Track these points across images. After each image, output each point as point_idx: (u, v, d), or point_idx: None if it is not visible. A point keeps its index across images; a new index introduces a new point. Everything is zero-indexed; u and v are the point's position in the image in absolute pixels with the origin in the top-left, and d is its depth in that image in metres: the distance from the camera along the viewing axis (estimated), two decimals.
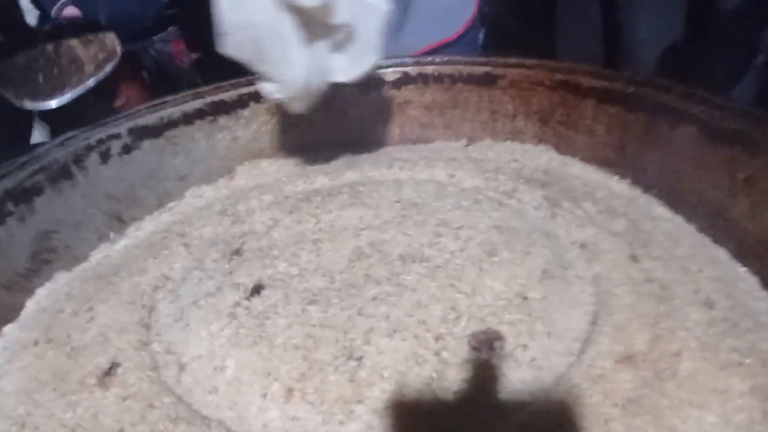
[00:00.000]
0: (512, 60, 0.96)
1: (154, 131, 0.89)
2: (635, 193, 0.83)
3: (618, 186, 0.85)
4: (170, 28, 1.77)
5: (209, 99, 0.92)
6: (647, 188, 0.84)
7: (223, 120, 0.94)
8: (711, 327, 0.60)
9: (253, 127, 0.96)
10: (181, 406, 0.53)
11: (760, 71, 1.66)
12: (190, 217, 0.79)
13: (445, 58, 0.99)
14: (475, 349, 0.55)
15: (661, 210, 0.81)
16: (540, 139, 0.95)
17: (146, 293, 0.67)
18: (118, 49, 0.89)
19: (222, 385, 0.54)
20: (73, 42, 0.89)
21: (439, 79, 0.98)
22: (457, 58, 0.99)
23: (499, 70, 0.96)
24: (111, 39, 0.88)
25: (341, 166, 0.87)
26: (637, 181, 0.85)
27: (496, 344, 0.55)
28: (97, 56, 0.88)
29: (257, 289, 0.62)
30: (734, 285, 0.68)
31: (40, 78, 0.81)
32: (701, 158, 0.79)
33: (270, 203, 0.78)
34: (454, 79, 0.98)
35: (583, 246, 0.68)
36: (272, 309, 0.59)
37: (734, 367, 0.56)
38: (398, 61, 1.00)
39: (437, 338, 0.55)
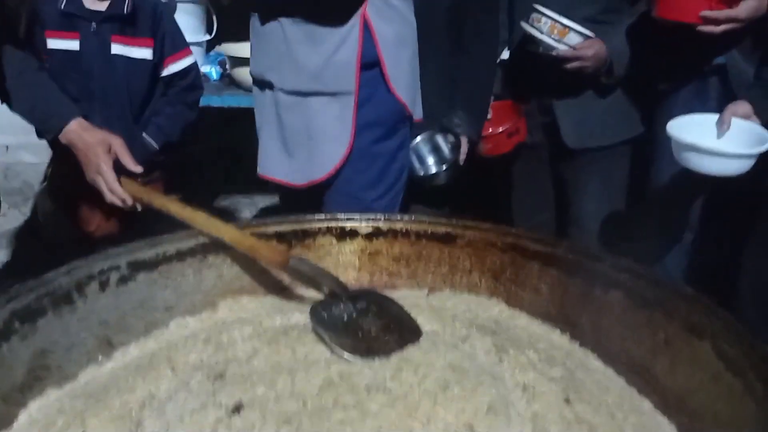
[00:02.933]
0: (470, 222, 1.11)
1: (150, 265, 0.99)
2: (573, 347, 0.95)
3: (558, 339, 0.96)
4: (155, 172, 1.93)
5: (201, 239, 1.03)
6: (583, 342, 0.96)
7: (211, 258, 1.04)
8: None
9: (237, 266, 1.07)
10: None
11: (688, 247, 1.86)
12: (176, 344, 0.88)
13: (413, 217, 1.13)
14: None
15: (595, 363, 0.92)
16: (492, 293, 1.07)
17: (134, 410, 0.74)
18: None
19: None
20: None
21: (406, 234, 1.12)
22: (423, 217, 1.13)
23: (458, 230, 1.10)
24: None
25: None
26: (575, 336, 0.97)
27: None
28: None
29: (237, 409, 0.70)
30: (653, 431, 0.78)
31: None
32: (627, 320, 0.92)
33: (250, 335, 0.87)
34: (419, 235, 1.11)
35: (524, 388, 0.78)
36: (250, 427, 0.67)
37: None
38: (371, 216, 1.13)
39: None
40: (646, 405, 0.84)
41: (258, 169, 1.68)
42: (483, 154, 1.94)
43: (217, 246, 1.04)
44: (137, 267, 0.97)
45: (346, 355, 0.79)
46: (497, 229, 1.08)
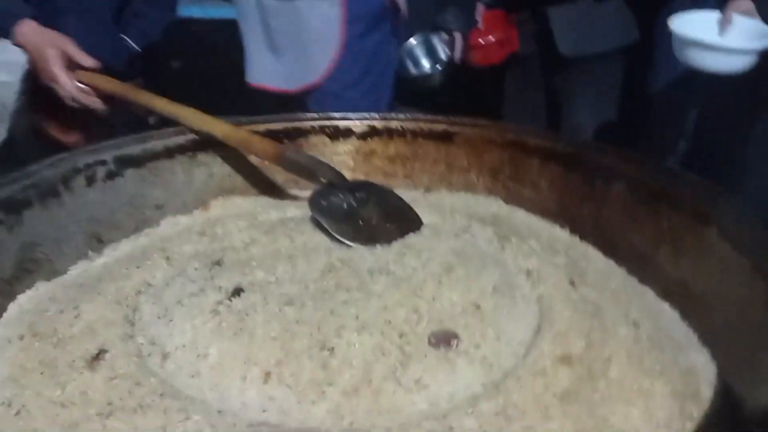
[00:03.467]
0: (467, 120, 1.07)
1: (138, 161, 0.95)
2: (574, 240, 0.94)
3: (559, 232, 0.95)
4: (137, 79, 1.86)
5: (191, 135, 0.99)
6: (584, 236, 0.95)
7: (201, 156, 1.01)
8: (637, 343, 0.68)
9: (228, 165, 1.04)
10: (166, 386, 0.58)
11: (682, 158, 1.85)
12: (170, 237, 0.85)
13: (408, 115, 1.10)
14: (433, 345, 0.62)
15: (595, 254, 0.91)
16: (490, 191, 1.05)
17: (130, 296, 0.72)
18: None
19: (204, 369, 0.60)
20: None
21: (402, 133, 1.08)
22: (419, 115, 1.10)
23: (455, 128, 1.07)
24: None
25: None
26: (575, 230, 0.96)
27: (453, 342, 0.62)
28: None
29: (237, 292, 0.68)
30: (658, 316, 0.77)
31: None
32: (630, 211, 0.90)
33: (247, 226, 0.85)
34: (415, 134, 1.08)
35: (528, 273, 0.77)
36: (252, 308, 0.65)
37: (657, 375, 0.64)
38: (366, 115, 1.10)
39: (401, 335, 0.62)
40: (648, 292, 0.83)
41: (247, 78, 1.63)
42: (474, 64, 1.90)
43: (207, 143, 1.00)
44: (124, 163, 0.93)
45: (347, 241, 0.77)
46: (496, 126, 1.05)
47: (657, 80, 1.77)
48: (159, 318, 0.67)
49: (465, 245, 0.79)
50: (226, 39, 1.94)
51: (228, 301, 0.67)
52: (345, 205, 0.82)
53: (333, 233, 0.79)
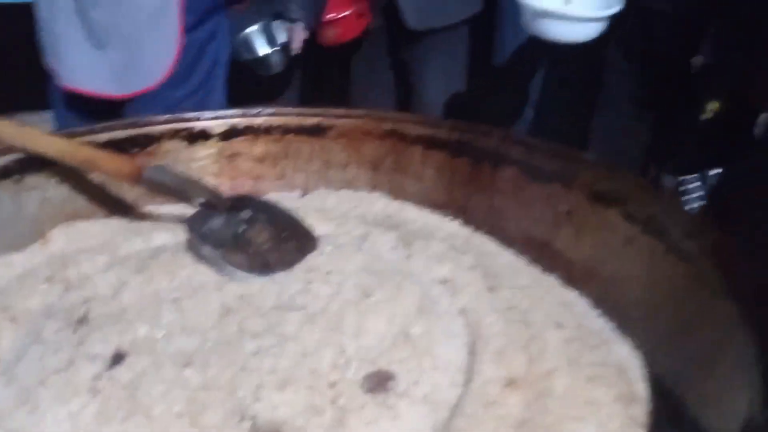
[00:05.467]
0: (341, 111, 0.98)
1: None
2: (468, 232, 0.89)
3: (452, 226, 0.90)
4: None
5: (15, 155, 0.81)
6: (477, 227, 0.90)
7: (31, 179, 0.83)
8: (568, 346, 0.65)
9: (66, 184, 0.87)
10: None
11: (530, 124, 1.90)
12: (7, 288, 0.68)
13: (274, 110, 0.98)
14: (369, 391, 0.54)
15: (493, 246, 0.86)
16: (374, 186, 0.97)
17: None
18: None
19: None
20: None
21: (269, 130, 0.97)
22: (286, 109, 0.99)
23: (329, 121, 0.97)
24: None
25: (177, 221, 0.81)
26: (467, 221, 0.91)
27: (390, 384, 0.54)
28: None
29: (118, 358, 0.55)
30: (572, 308, 0.75)
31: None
32: (524, 196, 0.87)
33: (108, 264, 0.70)
34: (284, 130, 0.97)
35: (443, 282, 0.71)
36: (142, 377, 0.53)
37: (597, 381, 0.61)
38: (224, 113, 0.97)
39: (331, 385, 0.53)
40: (553, 281, 0.80)
41: (60, 81, 1.40)
42: (330, 43, 1.80)
43: (36, 162, 0.83)
44: None
45: (240, 273, 0.66)
46: (373, 115, 0.97)
47: (502, 50, 1.78)
48: (18, 407, 0.52)
49: (372, 259, 0.71)
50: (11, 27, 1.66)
51: (108, 373, 0.53)
52: (231, 229, 0.70)
53: (222, 264, 0.67)
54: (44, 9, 1.39)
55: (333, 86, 2.07)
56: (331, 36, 1.80)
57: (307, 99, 1.94)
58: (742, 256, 0.62)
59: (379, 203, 0.94)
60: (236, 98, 1.88)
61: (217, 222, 0.71)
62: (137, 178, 0.75)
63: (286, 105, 1.87)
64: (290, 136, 0.98)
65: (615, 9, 1.35)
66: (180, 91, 1.45)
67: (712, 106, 1.27)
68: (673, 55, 1.36)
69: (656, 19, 1.39)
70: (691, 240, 0.67)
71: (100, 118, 1.44)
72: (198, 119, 0.96)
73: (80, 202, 0.88)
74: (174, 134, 0.94)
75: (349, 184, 0.98)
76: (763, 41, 1.19)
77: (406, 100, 1.97)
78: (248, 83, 1.76)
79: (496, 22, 1.77)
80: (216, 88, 1.55)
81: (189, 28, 1.41)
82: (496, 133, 0.91)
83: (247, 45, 1.70)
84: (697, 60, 1.28)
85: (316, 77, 1.97)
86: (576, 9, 1.42)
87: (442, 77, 1.87)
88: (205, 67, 1.49)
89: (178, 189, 0.74)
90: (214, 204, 0.73)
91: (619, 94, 1.52)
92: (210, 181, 0.97)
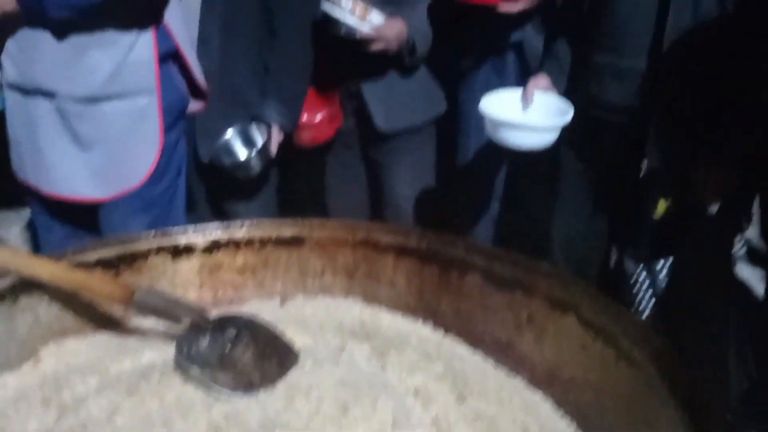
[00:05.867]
0: (316, 221, 1.05)
1: None
2: (439, 336, 0.95)
3: (424, 330, 0.96)
4: None
5: (9, 280, 0.86)
6: (448, 329, 0.96)
7: (24, 300, 0.88)
8: None
9: (57, 304, 0.91)
10: None
11: (495, 217, 1.99)
12: (4, 412, 0.72)
13: (255, 222, 1.05)
14: None
15: (462, 350, 0.92)
16: (348, 293, 1.03)
17: None
18: None
19: None
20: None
21: (249, 242, 1.03)
22: (266, 221, 1.05)
23: (305, 232, 1.04)
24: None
25: (164, 338, 0.86)
26: (438, 324, 0.97)
27: None
28: None
29: None
30: (536, 410, 0.80)
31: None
32: (488, 302, 0.94)
33: (100, 386, 0.74)
34: (264, 242, 1.03)
35: (416, 392, 0.76)
36: None
37: None
38: (207, 227, 1.03)
39: None
40: (518, 383, 0.86)
41: (50, 190, 1.46)
42: (305, 144, 1.89)
43: (30, 284, 0.87)
44: None
45: (226, 392, 0.71)
46: (346, 226, 1.04)
47: (467, 148, 1.89)
48: None
49: (349, 372, 0.76)
50: None
51: None
52: (216, 348, 0.75)
53: (209, 384, 0.72)
54: (21, 126, 1.46)
55: (307, 183, 2.16)
56: (305, 138, 1.89)
57: (283, 196, 2.02)
58: (685, 364, 0.69)
59: (355, 309, 1.00)
60: (216, 197, 1.96)
61: (203, 342, 0.76)
62: (128, 301, 0.80)
63: (262, 203, 1.96)
64: (269, 247, 1.04)
65: (567, 118, 1.47)
66: (158, 188, 1.52)
67: (662, 204, 1.37)
68: (622, 159, 1.47)
69: (605, 127, 1.51)
70: (639, 347, 0.74)
71: (79, 219, 1.51)
72: (183, 234, 1.02)
73: (69, 319, 0.92)
74: (159, 250, 1.00)
75: (326, 291, 1.04)
76: (698, 148, 1.31)
77: (378, 195, 2.06)
78: (226, 182, 1.84)
79: (461, 123, 1.88)
80: (182, 184, 1.62)
81: (166, 129, 1.49)
82: (461, 243, 0.98)
83: (228, 149, 1.79)
84: (644, 164, 1.39)
85: (291, 175, 2.05)
86: (531, 119, 1.54)
87: (412, 174, 1.97)
88: (176, 164, 1.57)
89: (166, 311, 0.79)
90: (200, 325, 0.78)
91: (576, 192, 1.63)
92: (193, 293, 1.02)
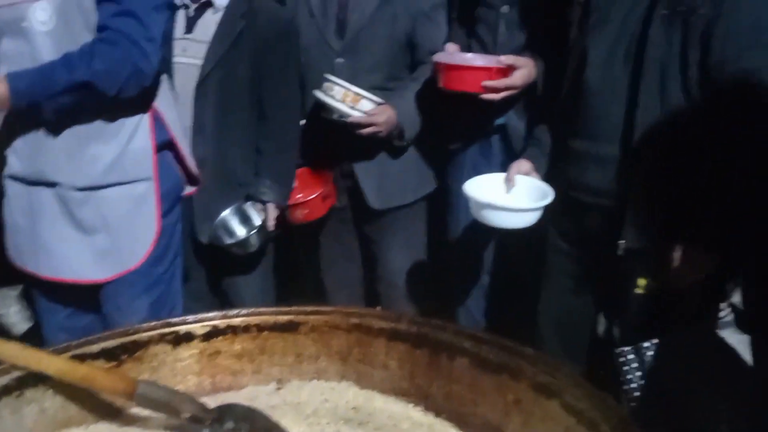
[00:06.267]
0: (311, 308, 1.10)
1: None
2: (431, 420, 0.98)
3: (415, 413, 0.99)
4: None
5: (15, 373, 0.90)
6: (438, 413, 0.99)
7: (30, 393, 0.91)
8: None
9: (60, 395, 0.94)
10: None
11: (486, 289, 2.03)
12: None
13: (251, 310, 1.09)
14: None
15: None
16: (342, 376, 1.07)
17: None
18: None
19: None
20: None
21: (247, 329, 1.07)
22: (262, 308, 1.10)
23: (301, 318, 1.08)
24: None
25: (164, 429, 0.89)
26: (429, 408, 1.00)
27: None
28: None
29: None
30: None
31: None
32: (477, 385, 0.97)
33: None
34: (261, 328, 1.08)
35: None
36: None
37: None
38: (206, 315, 1.07)
39: None
40: None
41: (50, 274, 1.51)
42: (299, 221, 1.96)
43: (36, 377, 0.91)
44: None
45: None
46: (340, 311, 1.09)
47: (456, 224, 1.95)
48: None
49: None
50: None
51: None
52: None
53: None
54: (21, 215, 1.52)
55: (305, 258, 2.21)
56: (299, 216, 1.96)
57: (280, 271, 2.07)
58: None
59: (348, 393, 1.03)
60: (215, 274, 2.00)
61: None
62: (131, 394, 0.84)
63: (260, 278, 2.01)
64: (266, 333, 1.08)
65: (548, 200, 1.54)
66: (159, 269, 1.57)
67: (642, 283, 1.42)
68: (602, 239, 1.53)
69: (585, 209, 1.58)
70: None
71: (79, 300, 1.55)
72: (183, 323, 1.06)
73: (73, 409, 0.96)
74: (160, 339, 1.04)
75: (320, 375, 1.08)
76: (673, 230, 1.37)
77: (372, 270, 2.12)
78: (225, 259, 1.89)
79: (450, 200, 1.95)
80: (180, 264, 1.68)
81: (164, 214, 1.56)
82: (450, 327, 1.03)
83: (226, 229, 1.85)
84: (622, 244, 1.45)
85: (288, 250, 2.10)
86: (514, 200, 1.61)
87: (405, 249, 2.03)
88: (175, 246, 1.63)
89: (167, 404, 0.83)
90: (200, 418, 0.81)
91: (561, 270, 1.68)
92: (192, 379, 1.06)
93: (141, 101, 1.46)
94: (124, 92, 1.36)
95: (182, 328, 1.05)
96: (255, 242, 1.83)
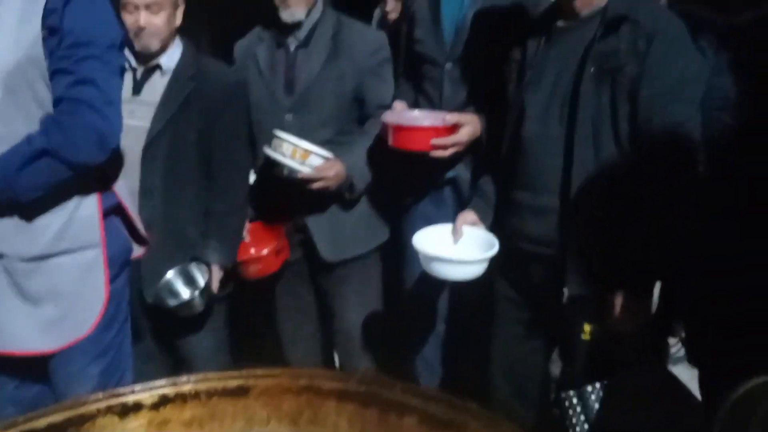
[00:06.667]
0: (261, 371, 1.11)
1: None
2: None
3: None
4: None
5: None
6: None
7: None
8: None
9: None
10: None
11: (442, 336, 2.06)
12: None
13: (200, 375, 1.09)
14: None
15: None
16: None
17: None
18: None
19: None
20: None
21: (196, 395, 1.07)
22: (211, 374, 1.10)
23: (250, 381, 1.09)
24: None
25: None
26: None
27: None
28: None
29: None
30: None
31: None
32: None
33: None
34: (210, 393, 1.08)
35: None
36: None
37: None
38: (154, 384, 1.07)
39: None
40: None
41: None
42: (252, 277, 1.96)
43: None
44: None
45: None
46: (290, 373, 1.10)
47: (410, 273, 1.98)
48: None
49: None
50: None
51: None
52: None
53: None
54: None
55: (260, 312, 2.21)
56: (253, 271, 1.96)
57: (235, 327, 2.06)
58: None
59: None
60: (167, 332, 1.99)
61: None
62: None
63: (212, 335, 2.00)
64: (215, 399, 1.08)
65: (493, 251, 1.59)
66: (109, 335, 1.55)
67: (587, 329, 1.47)
68: (546, 287, 1.58)
69: (528, 258, 1.63)
70: None
71: (27, 370, 1.51)
72: (131, 392, 1.06)
73: None
74: (108, 410, 1.03)
75: None
76: (610, 278, 1.43)
77: (328, 322, 2.12)
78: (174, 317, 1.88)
79: (403, 250, 1.98)
80: (129, 326, 1.66)
81: (113, 279, 1.55)
82: (398, 385, 1.05)
83: (170, 290, 1.85)
84: (566, 291, 1.50)
85: (242, 306, 2.10)
86: (461, 252, 1.66)
87: (360, 300, 2.04)
88: (124, 310, 1.61)
89: None
90: None
91: (510, 317, 1.72)
92: None
93: (94, 176, 1.46)
94: (91, 159, 1.36)
95: (130, 399, 1.05)
96: (199, 303, 1.83)
